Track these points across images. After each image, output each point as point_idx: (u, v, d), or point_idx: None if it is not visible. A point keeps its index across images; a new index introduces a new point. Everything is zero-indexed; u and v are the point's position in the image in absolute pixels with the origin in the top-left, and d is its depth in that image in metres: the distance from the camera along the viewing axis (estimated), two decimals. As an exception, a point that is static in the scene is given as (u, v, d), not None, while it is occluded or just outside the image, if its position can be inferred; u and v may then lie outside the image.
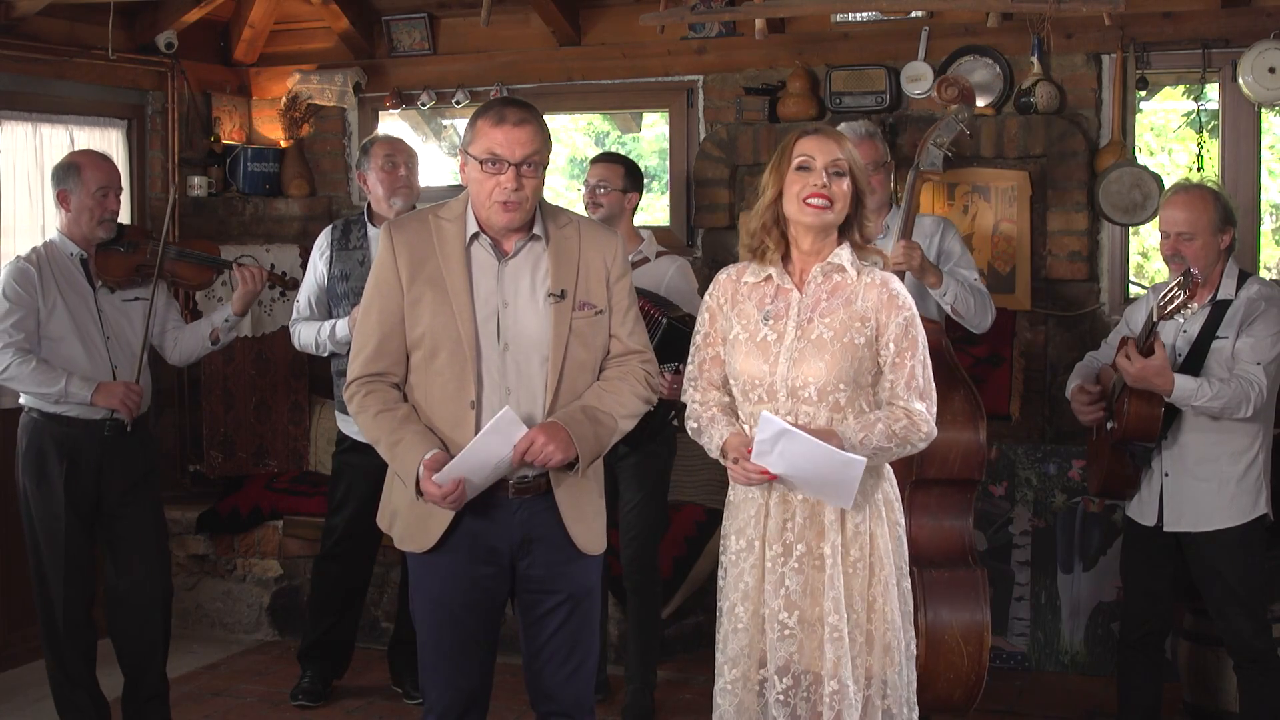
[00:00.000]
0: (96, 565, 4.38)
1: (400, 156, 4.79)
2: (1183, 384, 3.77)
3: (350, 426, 4.81)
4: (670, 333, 4.23)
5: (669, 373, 4.07)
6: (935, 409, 3.06)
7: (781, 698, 2.97)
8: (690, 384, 3.17)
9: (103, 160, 4.35)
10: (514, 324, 3.08)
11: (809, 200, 2.98)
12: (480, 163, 3.04)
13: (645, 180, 4.82)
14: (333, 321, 4.69)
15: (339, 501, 4.86)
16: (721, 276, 3.16)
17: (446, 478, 2.97)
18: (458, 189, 6.16)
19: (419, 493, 3.03)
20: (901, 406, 3.00)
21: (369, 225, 4.81)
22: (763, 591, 3.03)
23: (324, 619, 4.92)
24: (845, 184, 3.00)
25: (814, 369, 2.97)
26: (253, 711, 4.88)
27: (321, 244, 4.85)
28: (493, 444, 2.98)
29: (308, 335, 4.73)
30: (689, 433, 3.17)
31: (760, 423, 2.92)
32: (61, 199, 4.30)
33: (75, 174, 4.27)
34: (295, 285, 4.85)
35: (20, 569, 5.26)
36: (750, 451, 2.96)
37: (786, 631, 2.98)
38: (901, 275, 4.00)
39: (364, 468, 4.75)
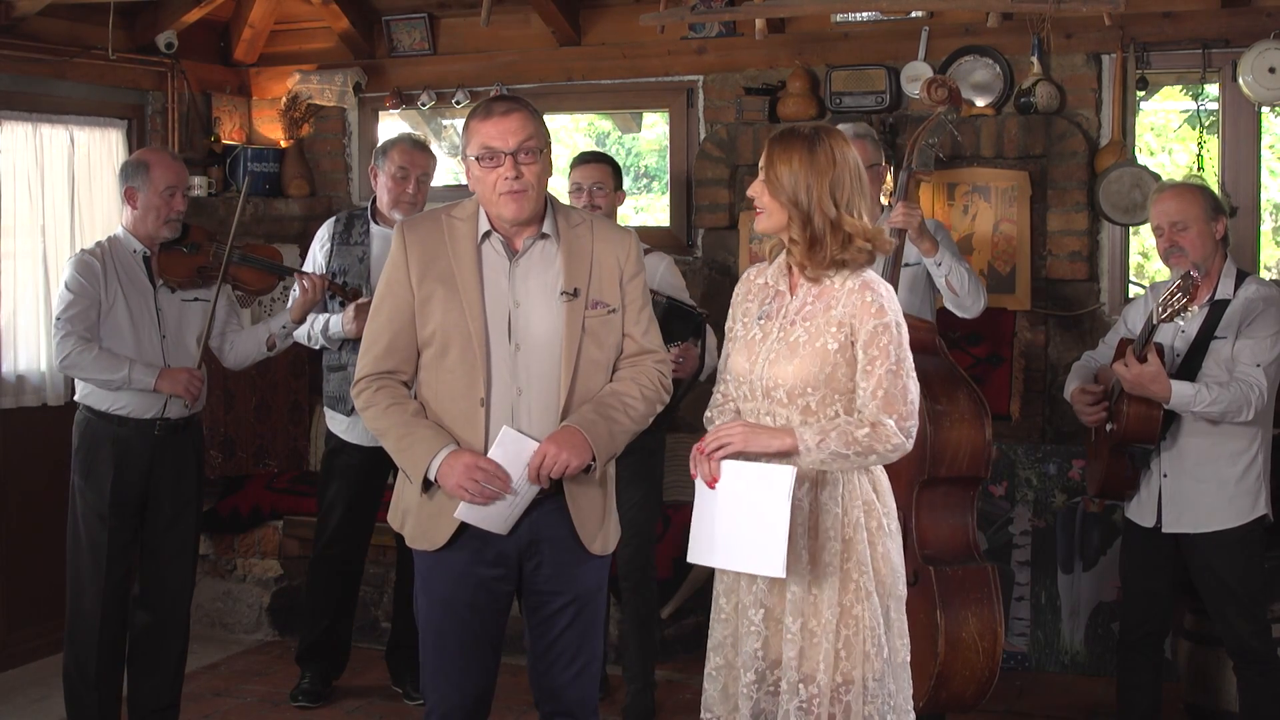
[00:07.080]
0: (133, 568, 4.34)
1: (415, 170, 4.75)
2: (1180, 390, 3.76)
3: (339, 425, 4.80)
4: (673, 311, 4.28)
5: (672, 348, 4.14)
6: (912, 421, 2.93)
7: (745, 690, 3.00)
8: (719, 376, 3.19)
9: (172, 160, 4.32)
10: (526, 324, 3.08)
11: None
12: (478, 159, 3.06)
13: (646, 180, 4.81)
14: (326, 315, 4.66)
15: (329, 503, 4.84)
16: (744, 275, 3.21)
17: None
18: (457, 189, 6.21)
19: (426, 487, 3.05)
20: (867, 416, 2.91)
21: (372, 223, 4.80)
22: (744, 587, 3.05)
23: (320, 620, 4.91)
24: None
25: (784, 371, 2.97)
26: (253, 711, 4.88)
27: (323, 236, 4.84)
28: (505, 464, 3.01)
29: (302, 325, 4.68)
30: (705, 423, 3.17)
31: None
32: (128, 196, 4.27)
33: (144, 172, 4.24)
34: (356, 294, 4.65)
35: (21, 569, 5.29)
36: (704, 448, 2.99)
37: (753, 628, 3.01)
38: (900, 237, 4.03)
39: (353, 468, 4.76)
